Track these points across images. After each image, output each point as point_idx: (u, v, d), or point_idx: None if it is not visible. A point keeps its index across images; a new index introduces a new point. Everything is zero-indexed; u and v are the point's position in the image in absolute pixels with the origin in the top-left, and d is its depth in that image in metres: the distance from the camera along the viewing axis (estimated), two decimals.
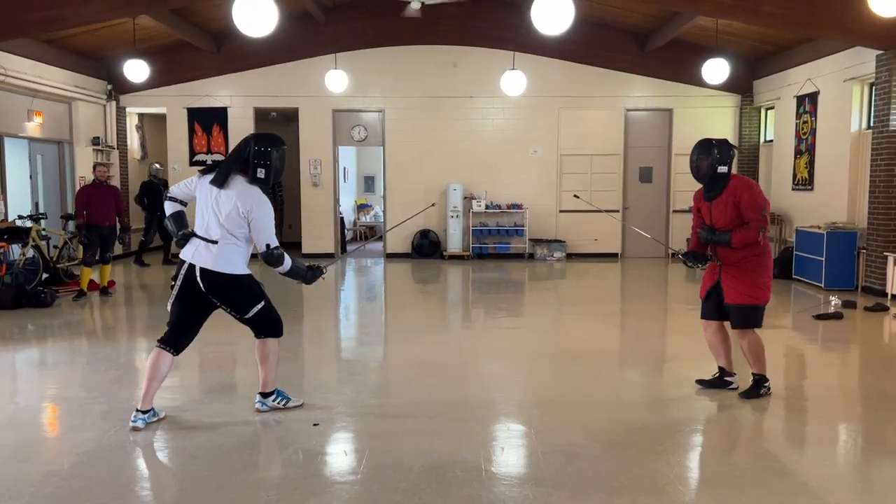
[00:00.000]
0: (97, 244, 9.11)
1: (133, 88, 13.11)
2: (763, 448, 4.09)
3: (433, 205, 11.72)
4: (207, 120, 13.53)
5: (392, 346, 6.96)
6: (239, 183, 4.19)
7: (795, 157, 11.59)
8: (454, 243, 13.35)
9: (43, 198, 11.65)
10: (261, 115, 14.02)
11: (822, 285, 9.72)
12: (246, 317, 4.32)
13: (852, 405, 4.99)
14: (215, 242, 4.17)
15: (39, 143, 11.61)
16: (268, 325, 4.42)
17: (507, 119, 13.51)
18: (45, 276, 9.66)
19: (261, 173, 4.18)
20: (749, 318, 4.56)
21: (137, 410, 4.28)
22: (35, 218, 9.60)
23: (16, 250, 9.24)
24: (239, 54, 13.13)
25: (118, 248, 11.59)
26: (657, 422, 4.46)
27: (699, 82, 12.12)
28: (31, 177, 11.46)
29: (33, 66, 10.89)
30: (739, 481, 3.56)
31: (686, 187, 13.61)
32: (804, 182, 11.32)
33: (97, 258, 9.20)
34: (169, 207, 4.40)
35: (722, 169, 4.52)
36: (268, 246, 4.20)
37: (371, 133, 13.75)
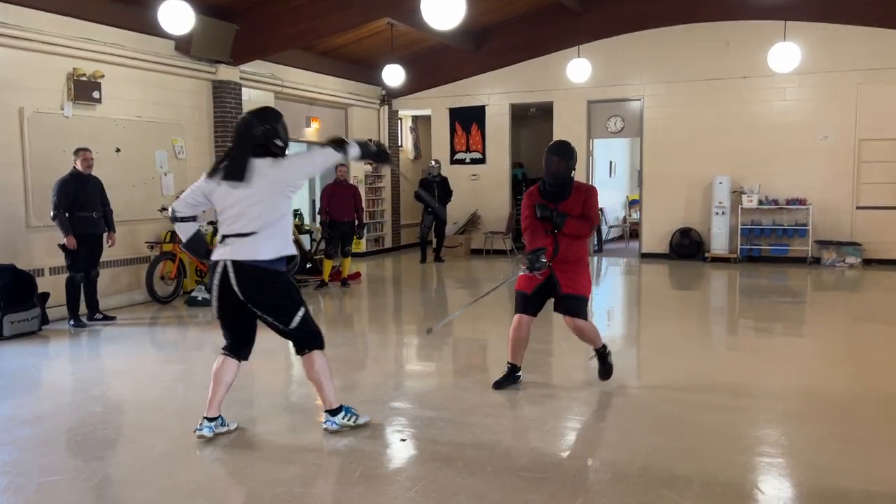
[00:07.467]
0: (338, 238, 9.79)
1: (403, 92, 13.87)
2: None
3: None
4: (467, 119, 13.83)
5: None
6: (264, 166, 3.83)
7: None
8: (719, 244, 11.85)
9: (319, 197, 12.87)
10: (518, 110, 13.92)
11: None
12: (290, 328, 3.90)
13: None
14: (253, 234, 3.80)
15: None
16: (310, 336, 3.98)
17: (789, 100, 11.60)
18: (307, 265, 10.72)
19: (278, 150, 3.89)
20: (581, 307, 4.83)
21: (204, 418, 4.02)
22: (294, 214, 10.61)
23: None
24: (497, 52, 13.17)
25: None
26: None
27: None
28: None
29: (311, 76, 12.10)
30: None
31: None
32: None
33: (338, 251, 9.88)
34: (184, 230, 4.04)
35: (573, 173, 4.82)
36: (322, 145, 3.97)
37: (628, 123, 12.84)
